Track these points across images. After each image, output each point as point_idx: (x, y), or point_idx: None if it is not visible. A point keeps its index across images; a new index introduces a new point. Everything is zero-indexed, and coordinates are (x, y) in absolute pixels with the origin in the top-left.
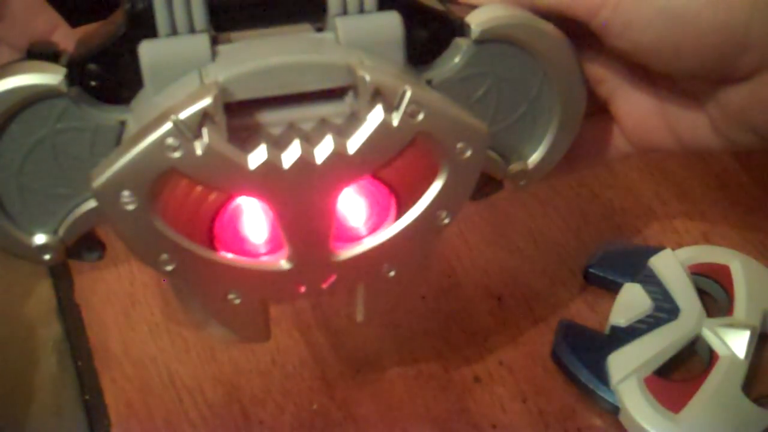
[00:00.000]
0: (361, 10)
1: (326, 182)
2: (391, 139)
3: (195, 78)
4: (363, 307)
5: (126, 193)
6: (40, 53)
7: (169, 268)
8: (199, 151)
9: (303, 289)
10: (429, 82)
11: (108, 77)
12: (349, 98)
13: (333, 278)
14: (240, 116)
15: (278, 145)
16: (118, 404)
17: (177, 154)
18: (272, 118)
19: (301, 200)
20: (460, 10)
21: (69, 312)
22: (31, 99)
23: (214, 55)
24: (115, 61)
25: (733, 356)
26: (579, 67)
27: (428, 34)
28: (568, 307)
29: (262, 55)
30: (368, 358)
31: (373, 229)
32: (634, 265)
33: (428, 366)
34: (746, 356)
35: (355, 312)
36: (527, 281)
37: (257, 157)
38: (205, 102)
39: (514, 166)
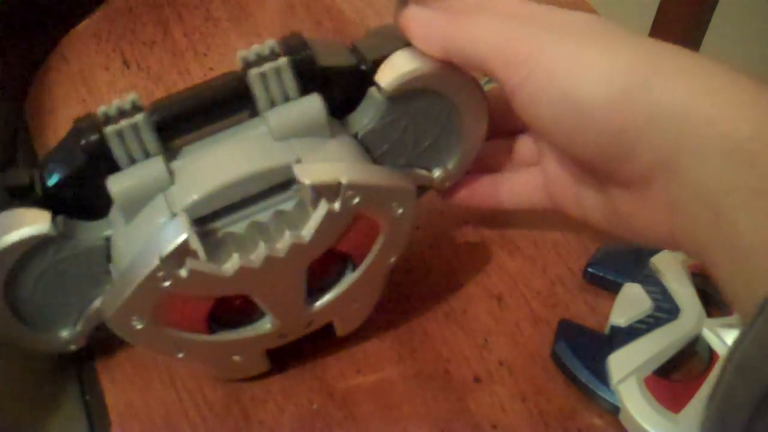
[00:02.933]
0: (287, 99)
1: (291, 266)
2: (337, 221)
3: (162, 205)
4: (340, 328)
5: (134, 317)
6: (17, 187)
7: (182, 355)
8: (184, 275)
9: (289, 335)
10: (355, 135)
11: (81, 200)
12: (294, 187)
13: (311, 322)
14: (207, 222)
15: (245, 247)
16: (118, 404)
17: (167, 283)
18: (234, 218)
19: (273, 284)
20: (369, 50)
21: None
22: (29, 249)
23: (171, 175)
24: (83, 187)
25: None
26: (482, 96)
27: (344, 90)
28: (568, 307)
29: (215, 172)
30: (368, 358)
31: (335, 279)
32: (634, 265)
33: (428, 366)
34: None
35: (336, 328)
36: (527, 281)
37: (232, 265)
38: (182, 238)
39: (438, 174)
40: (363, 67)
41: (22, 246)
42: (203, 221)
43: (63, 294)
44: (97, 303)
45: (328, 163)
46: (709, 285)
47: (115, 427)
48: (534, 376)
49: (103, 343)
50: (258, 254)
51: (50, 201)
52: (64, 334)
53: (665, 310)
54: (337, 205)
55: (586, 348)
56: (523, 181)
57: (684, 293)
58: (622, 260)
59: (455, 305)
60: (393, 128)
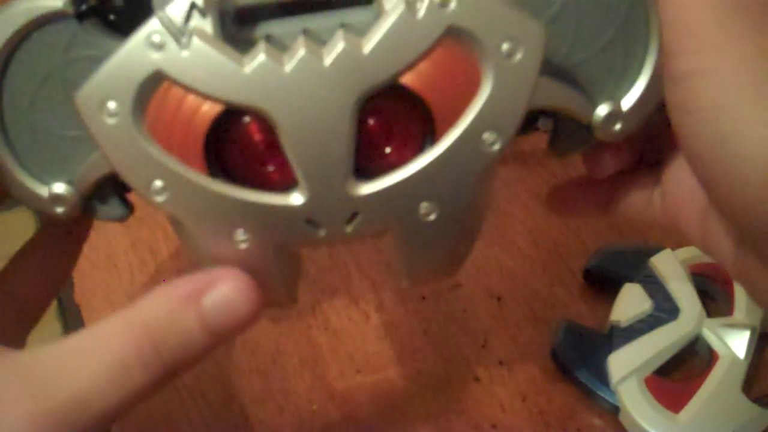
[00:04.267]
0: None
1: (339, 90)
2: (415, 34)
3: None
4: (404, 264)
5: (110, 104)
6: None
7: (162, 198)
8: (185, 50)
9: (323, 232)
10: None
11: (125, 10)
12: (376, 5)
13: (358, 218)
14: (250, 28)
15: (284, 49)
16: None
17: (162, 54)
18: (285, 28)
19: (309, 113)
20: None
21: (69, 312)
22: (34, 25)
23: None
24: None
25: (733, 356)
26: None
27: None
28: (568, 307)
29: None
30: (368, 358)
31: (405, 155)
32: (634, 265)
33: (428, 366)
34: (746, 356)
35: (396, 273)
36: (527, 281)
37: (254, 57)
38: None
39: (604, 107)
40: None
41: (24, 17)
42: (245, 24)
43: (66, 120)
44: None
45: None
46: (709, 285)
47: (115, 427)
48: (534, 376)
49: None
50: (293, 53)
51: (97, 9)
52: (57, 188)
53: (665, 310)
54: (420, 7)
55: (586, 348)
56: (637, 186)
57: (684, 293)
58: (621, 260)
59: (455, 305)
60: (543, 0)
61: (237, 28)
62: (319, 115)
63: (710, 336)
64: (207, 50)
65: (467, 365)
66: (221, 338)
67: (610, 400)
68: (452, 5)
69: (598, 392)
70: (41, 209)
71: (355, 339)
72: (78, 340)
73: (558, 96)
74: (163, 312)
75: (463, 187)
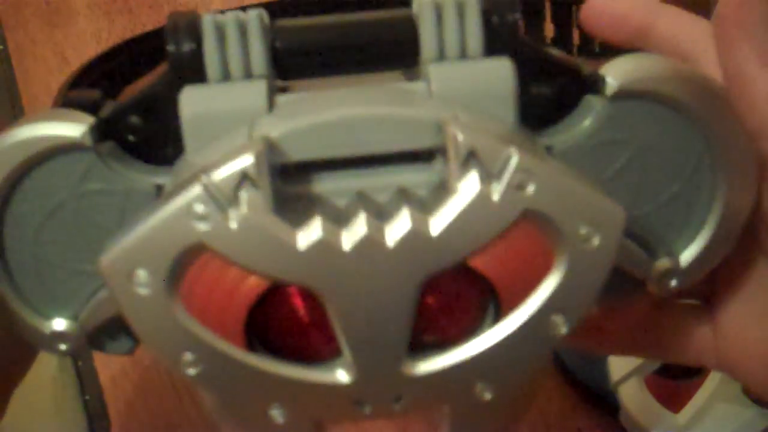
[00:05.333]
0: (464, 55)
1: (400, 273)
2: (489, 218)
3: (243, 133)
4: None
5: (141, 273)
6: (77, 101)
7: (194, 371)
8: (234, 223)
9: (368, 409)
10: (549, 150)
11: (148, 131)
12: (438, 164)
13: (407, 396)
14: (297, 183)
15: (340, 220)
16: (118, 404)
17: (206, 226)
18: (338, 186)
19: (366, 295)
20: (592, 65)
21: None
22: (47, 154)
23: (271, 105)
24: (156, 113)
25: None
26: (748, 137)
27: (551, 91)
28: None
29: (330, 106)
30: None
31: (463, 331)
32: None
33: None
34: None
35: None
36: None
37: (310, 234)
38: (246, 160)
39: (662, 263)
40: (583, 72)
41: (37, 146)
42: (293, 178)
43: (75, 253)
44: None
45: (499, 133)
46: None
47: (115, 427)
48: None
49: None
50: (353, 231)
51: (108, 126)
52: (59, 324)
53: None
54: (495, 190)
55: None
56: (677, 324)
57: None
58: None
59: None
60: (608, 154)
61: (283, 182)
62: (377, 297)
63: None
64: (258, 226)
65: None
66: None
67: (610, 400)
68: (530, 188)
69: (598, 392)
70: (41, 345)
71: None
72: None
73: (620, 251)
74: None
75: (523, 370)
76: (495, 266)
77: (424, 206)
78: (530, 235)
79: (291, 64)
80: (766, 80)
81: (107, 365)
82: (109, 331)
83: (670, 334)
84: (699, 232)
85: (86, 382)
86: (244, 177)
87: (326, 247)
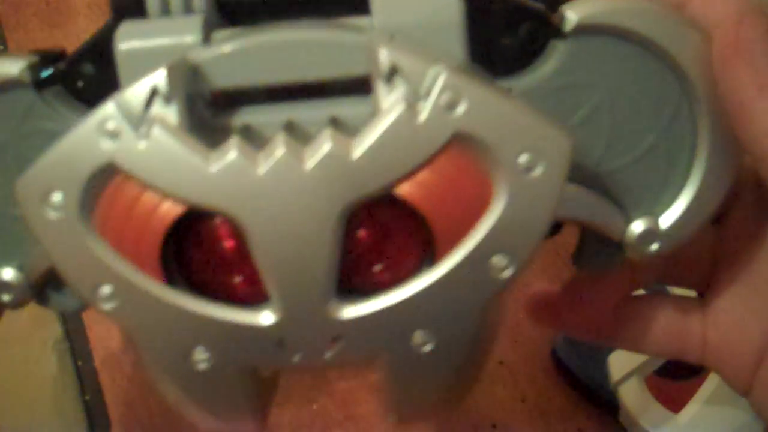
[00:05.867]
0: None
1: (321, 199)
2: (415, 140)
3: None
4: (393, 399)
5: (55, 195)
6: (39, 52)
7: (110, 306)
8: (143, 141)
9: (297, 356)
10: (507, 92)
11: (96, 77)
12: (374, 96)
13: (339, 344)
14: (226, 115)
15: (261, 145)
16: (118, 404)
17: (116, 144)
18: (269, 118)
19: (285, 223)
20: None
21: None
22: None
23: (206, 39)
24: (102, 58)
25: None
26: None
27: (516, 38)
28: None
29: (263, 34)
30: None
31: (398, 275)
32: None
33: None
34: None
35: (383, 404)
36: (527, 281)
37: (223, 154)
38: (158, 76)
39: (639, 224)
40: (546, 16)
41: None
42: (221, 109)
43: None
44: None
45: (432, 55)
46: None
47: (114, 427)
48: (534, 376)
49: (103, 343)
50: (269, 152)
51: (65, 77)
52: (5, 273)
53: None
54: (423, 109)
55: (586, 348)
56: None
57: (684, 291)
58: None
59: None
60: (573, 98)
61: (212, 113)
62: (296, 225)
63: None
64: (168, 142)
65: None
66: None
67: (610, 400)
68: (461, 108)
69: (598, 392)
70: None
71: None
72: None
73: (586, 207)
74: None
75: (465, 317)
76: (426, 197)
77: (353, 129)
78: (464, 164)
79: (236, 8)
80: (764, 107)
81: (107, 365)
82: (54, 282)
83: (654, 323)
84: (681, 190)
85: (86, 382)
86: (155, 92)
87: (240, 168)
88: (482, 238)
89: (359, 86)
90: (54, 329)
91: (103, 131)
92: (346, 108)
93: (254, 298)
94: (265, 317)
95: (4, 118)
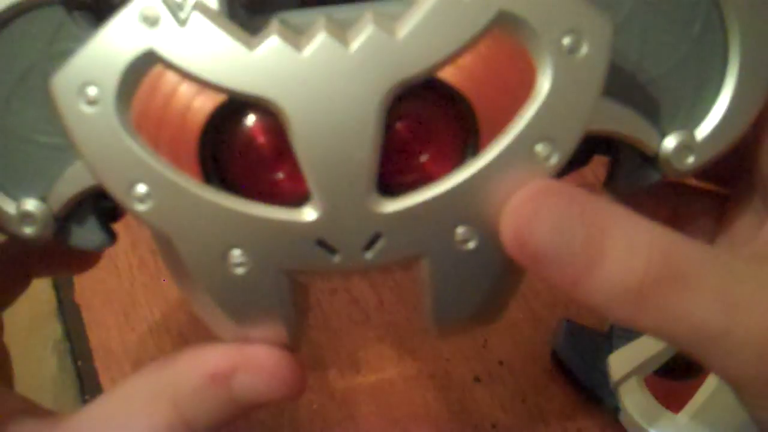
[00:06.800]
0: None
1: (365, 81)
2: (459, 20)
3: None
4: (433, 304)
5: (91, 89)
6: None
7: (145, 207)
8: (184, 27)
9: (337, 257)
10: None
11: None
12: None
13: (380, 242)
14: (261, 16)
15: (301, 32)
16: None
17: (156, 31)
18: (305, 18)
19: (328, 109)
20: None
21: (69, 312)
22: (13, 11)
23: None
24: None
25: None
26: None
27: None
28: (568, 307)
29: None
30: (368, 358)
31: (441, 167)
32: None
33: (428, 366)
34: None
35: (421, 314)
36: (527, 281)
37: (265, 37)
38: None
39: (674, 137)
40: None
41: (5, 3)
42: (254, 11)
43: (45, 124)
44: (79, 165)
45: None
46: None
47: None
48: (534, 376)
49: (103, 343)
50: (312, 35)
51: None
52: (28, 204)
53: None
54: None
55: (586, 348)
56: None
57: None
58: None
59: None
60: (605, 7)
61: (248, 15)
62: (339, 111)
63: None
64: (209, 28)
65: (467, 365)
66: (255, 408)
67: (610, 400)
68: None
69: (598, 392)
70: (7, 228)
71: (355, 339)
72: (106, 410)
73: (621, 120)
74: (191, 389)
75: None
76: (470, 80)
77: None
78: (508, 46)
79: None
80: None
81: (107, 365)
82: (78, 216)
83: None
84: (714, 102)
85: (86, 382)
86: None
87: (282, 52)
88: (527, 123)
89: None
90: (54, 329)
91: (142, 18)
92: (383, 8)
93: (292, 198)
94: (308, 213)
95: (33, 38)
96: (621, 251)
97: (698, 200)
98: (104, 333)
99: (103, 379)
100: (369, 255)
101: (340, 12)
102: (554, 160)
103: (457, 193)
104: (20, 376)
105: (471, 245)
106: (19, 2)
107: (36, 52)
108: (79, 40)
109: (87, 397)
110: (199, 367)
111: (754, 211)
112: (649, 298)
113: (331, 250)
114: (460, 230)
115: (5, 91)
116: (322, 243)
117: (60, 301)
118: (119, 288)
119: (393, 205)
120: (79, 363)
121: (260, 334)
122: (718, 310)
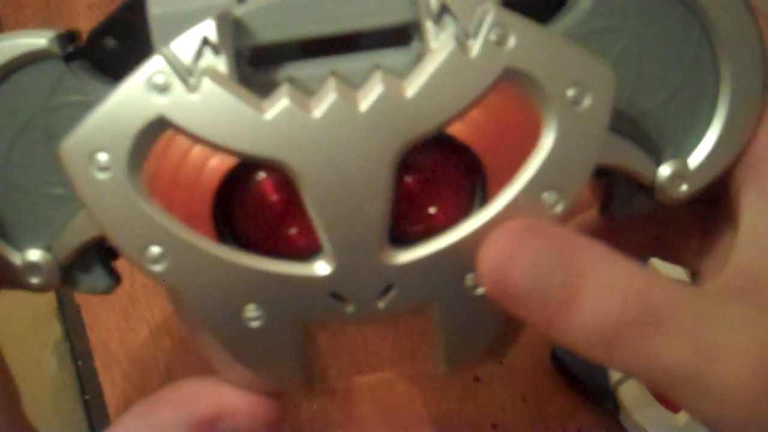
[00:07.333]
0: None
1: (376, 141)
2: (467, 76)
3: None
4: (444, 347)
5: (102, 156)
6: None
7: (160, 268)
8: (195, 93)
9: (351, 307)
10: None
11: (121, 51)
12: (416, 46)
13: (393, 292)
14: (266, 69)
15: (310, 92)
16: (118, 404)
17: (166, 98)
18: (310, 71)
19: (340, 168)
20: None
21: (69, 312)
22: (14, 65)
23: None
24: (128, 31)
25: None
26: (754, 19)
27: None
28: None
29: None
30: (368, 358)
31: (449, 217)
32: None
33: (428, 366)
34: None
35: (432, 360)
36: None
37: (276, 100)
38: (207, 27)
39: (668, 166)
40: None
41: (6, 57)
42: (263, 64)
43: (48, 176)
44: (83, 215)
45: None
46: None
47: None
48: (534, 376)
49: (103, 343)
50: (323, 96)
51: (88, 52)
52: (33, 255)
53: None
54: (473, 46)
55: None
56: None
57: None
58: None
59: None
60: (604, 41)
61: (253, 70)
62: (351, 170)
63: None
64: (220, 93)
65: None
66: None
67: (610, 400)
68: (510, 43)
69: (598, 392)
70: (13, 279)
71: (355, 339)
72: None
73: (619, 152)
74: None
75: None
76: (478, 134)
77: (400, 75)
78: (514, 100)
79: None
80: None
81: (107, 365)
82: (83, 263)
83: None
84: (706, 131)
85: (86, 382)
86: (204, 43)
87: (295, 114)
88: (534, 173)
89: (398, 38)
90: (54, 329)
91: (151, 85)
92: (386, 58)
93: (304, 252)
94: (321, 268)
95: (33, 91)
96: (597, 292)
97: (685, 217)
98: (104, 333)
99: (103, 379)
100: (382, 304)
101: (345, 63)
102: (560, 208)
103: (466, 242)
104: (20, 376)
105: (480, 290)
106: (18, 56)
107: (36, 105)
108: (79, 91)
109: (87, 397)
110: (183, 418)
111: (733, 230)
112: (623, 340)
113: (345, 301)
114: (470, 276)
115: (6, 144)
116: (335, 295)
117: (60, 301)
118: (119, 288)
119: (404, 257)
120: (79, 363)
121: (274, 382)
122: (692, 354)
